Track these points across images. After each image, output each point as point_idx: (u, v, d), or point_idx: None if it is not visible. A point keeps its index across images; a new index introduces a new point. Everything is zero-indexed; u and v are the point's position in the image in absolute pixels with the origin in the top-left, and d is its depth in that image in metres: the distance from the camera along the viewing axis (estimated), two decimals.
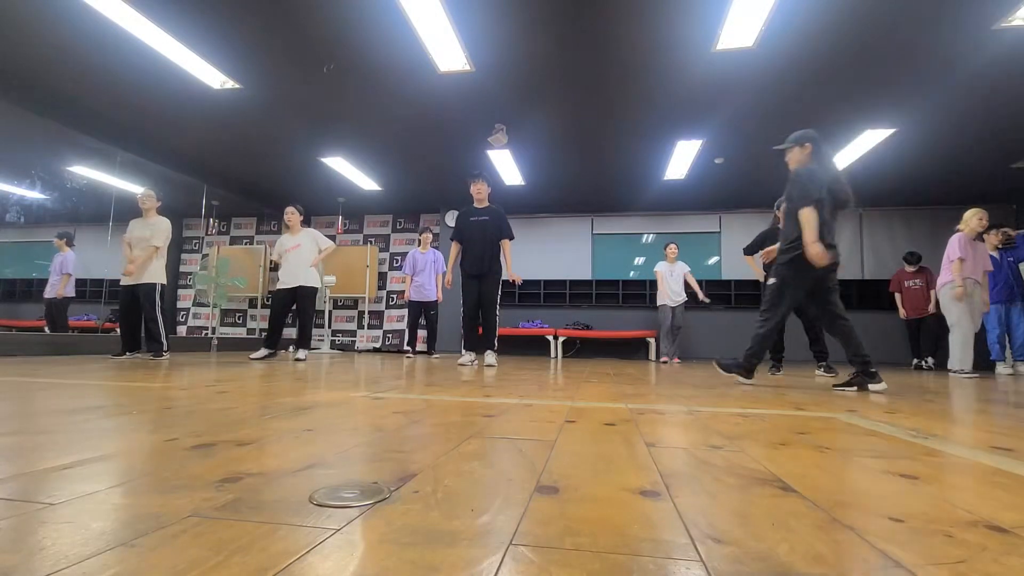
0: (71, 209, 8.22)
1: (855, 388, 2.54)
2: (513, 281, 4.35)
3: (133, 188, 5.10)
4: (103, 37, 3.68)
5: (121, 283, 4.18)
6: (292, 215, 4.60)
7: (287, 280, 4.49)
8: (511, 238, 4.23)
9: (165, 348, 4.12)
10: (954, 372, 4.17)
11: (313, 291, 4.55)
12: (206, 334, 8.62)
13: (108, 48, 3.82)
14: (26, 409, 1.31)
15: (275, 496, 0.63)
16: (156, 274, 4.18)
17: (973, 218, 4.22)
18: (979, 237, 4.35)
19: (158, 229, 4.21)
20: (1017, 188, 6.35)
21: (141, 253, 4.15)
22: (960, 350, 4.14)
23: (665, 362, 5.74)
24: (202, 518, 0.54)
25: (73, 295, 6.33)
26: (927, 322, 5.92)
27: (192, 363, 3.57)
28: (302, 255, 4.51)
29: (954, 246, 4.24)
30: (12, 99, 4.46)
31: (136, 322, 4.18)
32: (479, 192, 4.24)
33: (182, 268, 9.18)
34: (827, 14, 3.27)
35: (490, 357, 4.16)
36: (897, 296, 6.11)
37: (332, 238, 8.64)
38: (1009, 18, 3.24)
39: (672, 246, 6.02)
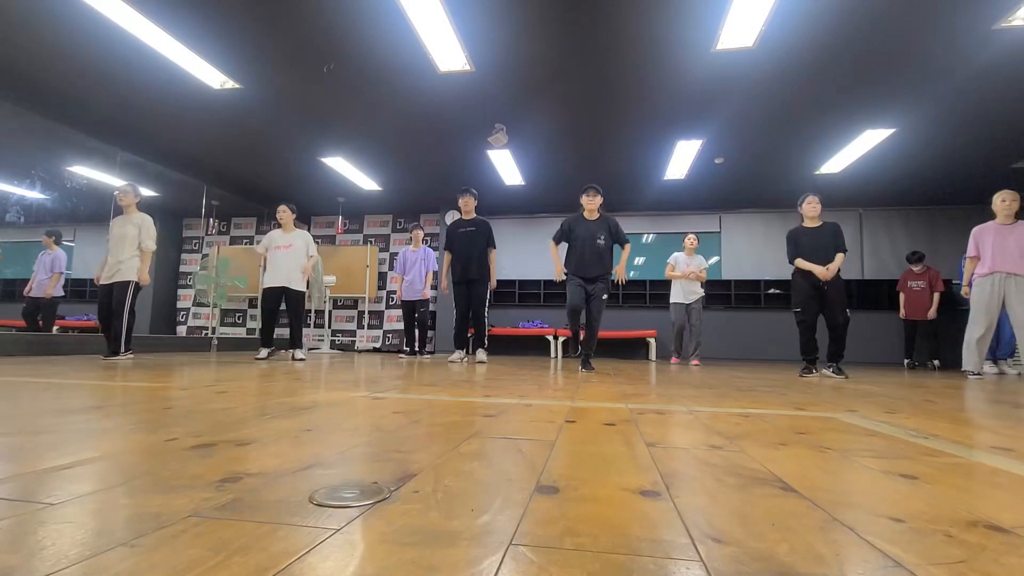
0: (71, 209, 8.22)
1: None
2: (491, 287, 4.69)
3: None
4: (103, 37, 3.68)
5: (99, 282, 4.05)
6: (284, 213, 4.59)
7: (274, 279, 4.47)
8: (494, 247, 4.68)
9: (124, 349, 3.92)
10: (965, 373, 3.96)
11: (301, 294, 4.55)
12: (206, 334, 8.62)
13: (108, 48, 3.82)
14: (25, 409, 1.31)
15: (275, 496, 0.63)
16: (131, 272, 4.02)
17: (996, 200, 3.84)
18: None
19: (147, 229, 4.06)
20: (1017, 188, 6.34)
21: (121, 252, 3.98)
22: (964, 350, 3.92)
23: (675, 362, 5.45)
24: (202, 518, 0.54)
25: (63, 295, 6.11)
26: (924, 325, 5.93)
27: (192, 363, 3.57)
28: (292, 256, 4.49)
29: (970, 242, 3.93)
30: (12, 99, 4.46)
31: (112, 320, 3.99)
32: (467, 205, 4.69)
33: (182, 268, 9.18)
34: (827, 14, 3.27)
35: (481, 354, 4.60)
36: (901, 296, 6.11)
37: (332, 238, 8.67)
38: (1009, 18, 3.24)
39: (692, 237, 5.55)
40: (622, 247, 3.88)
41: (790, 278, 3.97)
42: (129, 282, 4.00)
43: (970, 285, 3.97)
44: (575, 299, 3.80)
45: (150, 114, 4.96)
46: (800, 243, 3.82)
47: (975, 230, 3.95)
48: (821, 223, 3.86)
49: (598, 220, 3.86)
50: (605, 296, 3.82)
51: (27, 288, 6.04)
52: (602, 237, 3.79)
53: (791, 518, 0.60)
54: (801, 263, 3.80)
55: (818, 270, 3.68)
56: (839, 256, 3.69)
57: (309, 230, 8.70)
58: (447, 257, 4.72)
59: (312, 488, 0.66)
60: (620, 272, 3.91)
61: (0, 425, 1.08)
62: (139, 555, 0.45)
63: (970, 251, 3.96)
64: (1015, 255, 3.70)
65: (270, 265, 4.53)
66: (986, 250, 3.82)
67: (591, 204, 3.87)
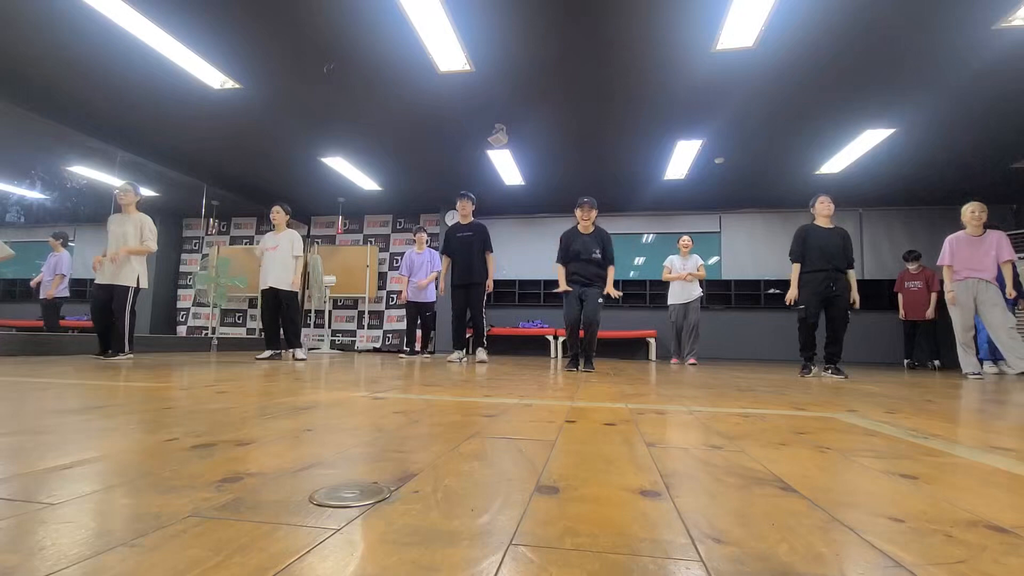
0: (71, 209, 8.22)
1: None
2: (487, 290, 4.74)
3: None
4: (103, 37, 3.68)
5: (96, 281, 4.01)
6: (277, 214, 4.60)
7: (264, 281, 4.50)
8: (491, 251, 4.72)
9: (126, 349, 3.94)
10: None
11: (291, 294, 4.55)
12: (206, 334, 8.62)
13: (108, 48, 3.82)
14: (25, 409, 1.31)
15: (275, 496, 0.63)
16: (132, 277, 4.00)
17: (965, 212, 4.09)
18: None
19: (148, 229, 4.06)
20: (1017, 188, 6.35)
21: (120, 251, 3.96)
22: (959, 352, 4.08)
23: (675, 363, 5.46)
24: (202, 518, 0.54)
25: (67, 295, 6.20)
26: (924, 325, 5.92)
27: (192, 363, 3.57)
28: (278, 257, 4.50)
29: (943, 251, 4.16)
30: (13, 99, 4.46)
31: (110, 321, 4.00)
32: (464, 209, 4.73)
33: (182, 268, 9.18)
34: (827, 14, 3.27)
35: (481, 354, 4.69)
36: (899, 297, 6.11)
37: (332, 238, 8.66)
38: (1009, 18, 3.24)
39: (686, 239, 5.65)
40: (609, 265, 4.01)
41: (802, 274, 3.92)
42: (128, 288, 4.01)
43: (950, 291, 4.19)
44: (572, 313, 3.92)
45: (150, 114, 4.96)
46: (808, 241, 3.83)
47: (950, 239, 4.16)
48: (832, 225, 3.88)
49: (592, 234, 4.01)
50: (601, 300, 3.91)
51: (35, 284, 6.20)
52: (596, 252, 3.94)
53: (791, 518, 0.60)
54: (793, 276, 3.86)
55: (790, 296, 3.85)
56: (852, 275, 3.78)
57: (309, 230, 8.70)
58: (445, 261, 4.80)
59: (312, 488, 0.66)
60: (610, 289, 4.03)
61: (0, 425, 1.08)
62: (139, 555, 0.45)
63: (945, 259, 4.15)
64: (986, 262, 3.99)
65: (262, 267, 4.55)
66: (960, 258, 4.08)
67: (585, 220, 3.99)
